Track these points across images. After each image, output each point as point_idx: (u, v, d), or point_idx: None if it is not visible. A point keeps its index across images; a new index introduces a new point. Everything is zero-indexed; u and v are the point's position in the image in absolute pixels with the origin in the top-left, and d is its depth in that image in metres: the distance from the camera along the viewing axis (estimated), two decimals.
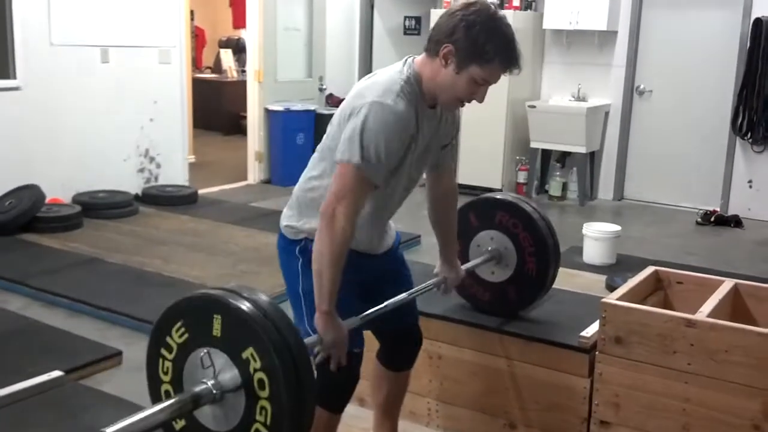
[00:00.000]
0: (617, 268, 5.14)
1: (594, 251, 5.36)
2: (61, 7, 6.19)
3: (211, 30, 13.23)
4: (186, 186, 7.31)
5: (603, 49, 7.56)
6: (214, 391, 1.81)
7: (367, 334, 2.52)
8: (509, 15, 7.28)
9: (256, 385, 1.77)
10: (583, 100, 7.60)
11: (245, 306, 1.79)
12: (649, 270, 3.14)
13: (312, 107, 8.17)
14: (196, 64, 12.33)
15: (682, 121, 7.39)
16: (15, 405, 3.02)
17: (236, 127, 10.81)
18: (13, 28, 5.93)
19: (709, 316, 2.59)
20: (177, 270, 4.99)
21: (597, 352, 2.71)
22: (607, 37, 7.49)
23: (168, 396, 1.91)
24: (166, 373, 1.93)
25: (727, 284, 2.98)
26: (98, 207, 6.25)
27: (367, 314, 2.33)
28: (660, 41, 7.42)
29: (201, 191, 7.32)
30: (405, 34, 9.23)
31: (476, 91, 2.18)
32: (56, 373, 3.25)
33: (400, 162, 2.22)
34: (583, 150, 7.37)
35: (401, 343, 2.66)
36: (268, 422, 1.77)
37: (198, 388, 1.83)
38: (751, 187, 7.03)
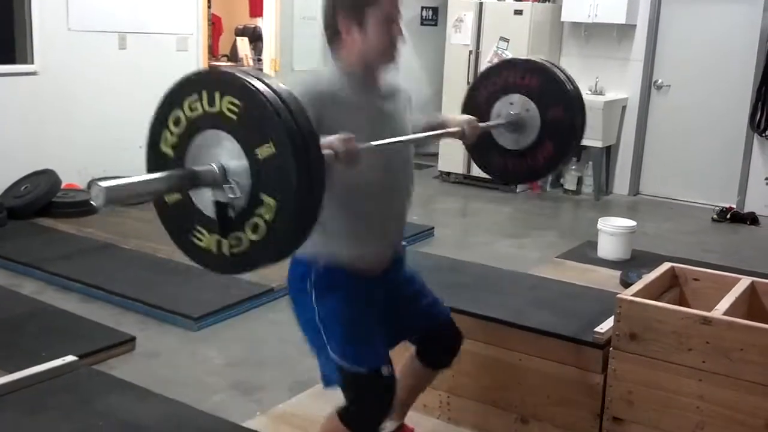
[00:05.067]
0: (632, 264, 5.11)
1: (609, 246, 5.33)
2: None
3: (228, 18, 13.21)
4: None
5: (621, 43, 7.51)
6: (217, 175, 1.70)
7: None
8: (527, 6, 7.26)
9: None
10: (601, 93, 7.55)
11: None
12: (665, 266, 3.12)
13: None
14: (213, 52, 12.30)
15: (699, 117, 7.33)
16: (29, 389, 3.04)
17: None
18: (31, 13, 5.94)
19: (725, 314, 2.57)
20: None
21: (611, 348, 2.70)
22: (625, 30, 7.43)
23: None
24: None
25: (744, 282, 2.95)
26: None
27: (382, 143, 2.17)
28: (679, 36, 7.36)
29: None
30: (422, 24, 9.17)
31: (391, 31, 2.19)
32: (70, 358, 3.27)
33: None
34: (599, 144, 7.31)
35: (441, 341, 2.57)
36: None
37: (201, 168, 1.72)
38: None
